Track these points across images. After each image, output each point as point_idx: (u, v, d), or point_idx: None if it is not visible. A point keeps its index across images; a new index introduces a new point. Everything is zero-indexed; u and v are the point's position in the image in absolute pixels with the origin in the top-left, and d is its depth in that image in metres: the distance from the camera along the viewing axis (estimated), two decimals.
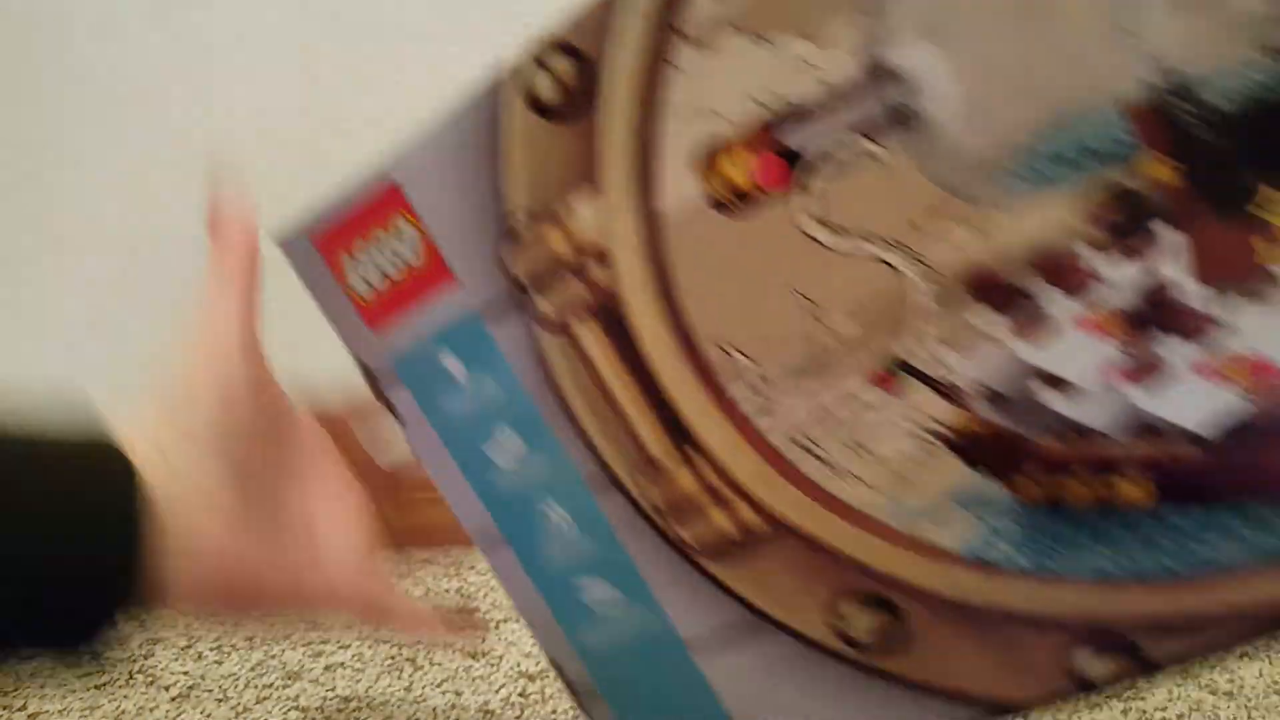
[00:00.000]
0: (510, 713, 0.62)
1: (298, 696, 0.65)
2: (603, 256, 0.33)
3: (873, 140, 0.29)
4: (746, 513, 0.34)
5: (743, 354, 0.32)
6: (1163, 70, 0.26)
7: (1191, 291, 0.28)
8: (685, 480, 0.34)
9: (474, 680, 0.66)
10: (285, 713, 0.63)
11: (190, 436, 0.32)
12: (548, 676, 0.67)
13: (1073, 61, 0.27)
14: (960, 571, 0.32)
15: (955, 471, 0.31)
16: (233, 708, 0.64)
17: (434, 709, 0.63)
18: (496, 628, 0.77)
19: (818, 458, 0.33)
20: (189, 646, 0.74)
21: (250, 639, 0.75)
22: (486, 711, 0.62)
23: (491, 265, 0.35)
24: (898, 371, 0.31)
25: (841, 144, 0.30)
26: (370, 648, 0.73)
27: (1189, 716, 0.61)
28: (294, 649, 0.73)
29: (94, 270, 0.98)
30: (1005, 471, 0.31)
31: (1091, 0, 0.26)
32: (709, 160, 0.31)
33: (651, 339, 0.33)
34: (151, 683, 0.68)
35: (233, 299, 0.35)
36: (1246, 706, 0.63)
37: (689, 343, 0.33)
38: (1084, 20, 0.27)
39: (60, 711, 0.65)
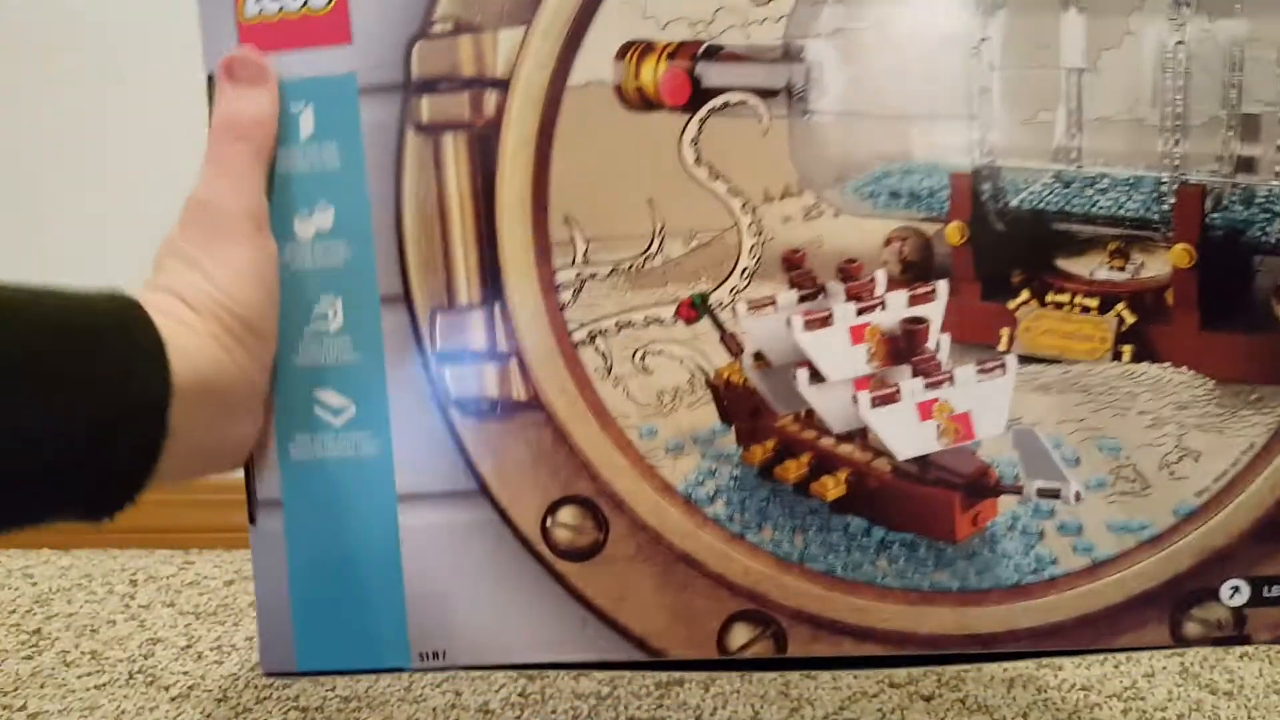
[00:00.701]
0: (510, 713, 0.66)
1: (298, 696, 0.69)
2: (501, 89, 0.38)
3: (764, 103, 0.36)
4: (516, 380, 0.39)
5: (583, 233, 0.38)
6: (987, 158, 0.35)
7: (943, 345, 0.37)
8: (477, 331, 0.39)
9: (474, 680, 0.70)
10: (285, 713, 0.67)
11: (209, 314, 0.35)
12: (548, 677, 0.71)
13: (933, 119, 0.35)
14: (671, 506, 0.38)
15: (706, 416, 0.38)
16: (233, 708, 0.68)
17: (434, 709, 0.67)
18: None
19: (602, 356, 0.38)
20: (189, 646, 0.77)
21: (250, 639, 0.77)
22: (486, 711, 0.66)
23: (393, 49, 0.38)
24: (701, 309, 0.38)
25: (738, 95, 0.36)
26: None
27: (1189, 716, 0.66)
28: None
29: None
30: (742, 429, 0.38)
31: (961, 85, 0.35)
32: (630, 55, 0.37)
33: (508, 180, 0.37)
34: (151, 683, 0.71)
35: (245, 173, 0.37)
36: (1246, 706, 0.68)
37: (540, 202, 0.38)
38: (950, 94, 0.35)
39: (60, 711, 0.68)
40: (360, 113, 0.38)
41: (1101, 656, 0.74)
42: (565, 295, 0.38)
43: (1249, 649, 0.71)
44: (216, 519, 0.94)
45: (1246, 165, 0.35)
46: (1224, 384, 0.35)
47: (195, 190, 0.37)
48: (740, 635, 0.38)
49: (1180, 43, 0.34)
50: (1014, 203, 0.36)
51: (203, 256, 0.36)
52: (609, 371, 0.38)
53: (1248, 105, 0.34)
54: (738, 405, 0.38)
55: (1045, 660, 0.74)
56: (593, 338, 0.38)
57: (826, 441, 0.38)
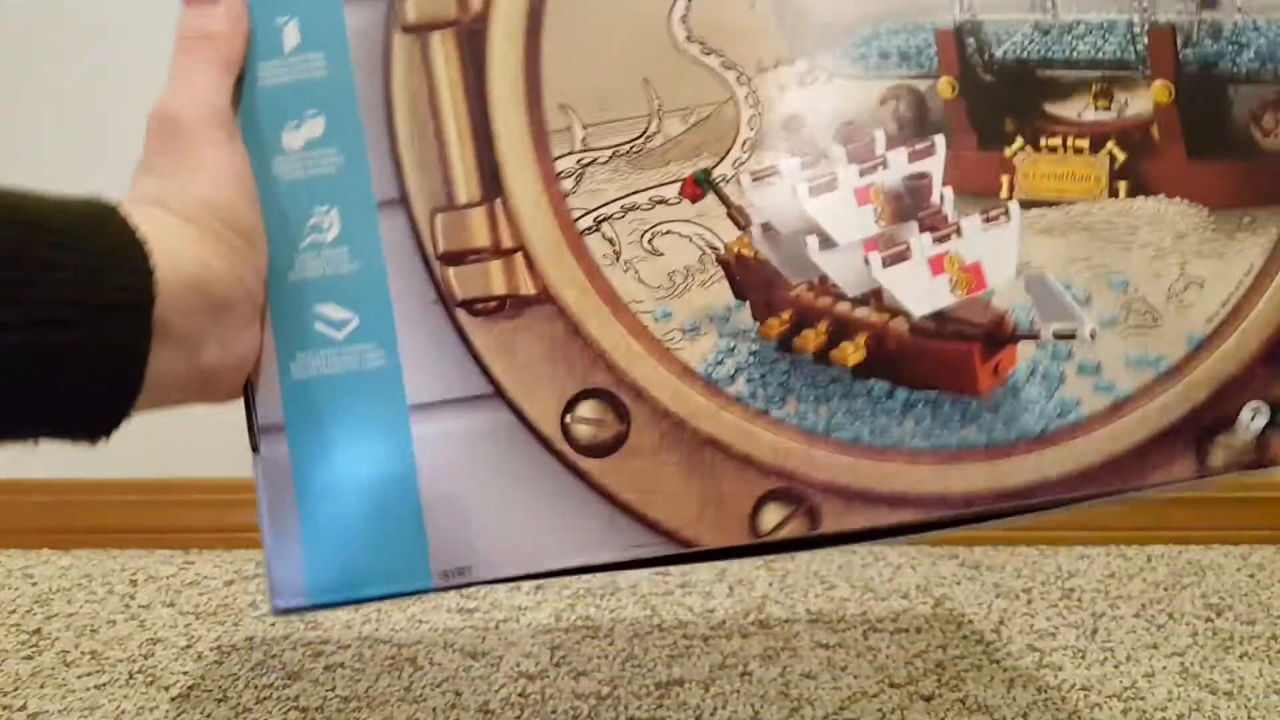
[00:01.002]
0: (510, 713, 0.68)
1: (298, 696, 0.70)
2: None
3: None
4: (523, 275, 0.39)
5: (580, 119, 0.39)
6: (967, 13, 0.38)
7: (946, 198, 0.39)
8: (479, 228, 0.39)
9: (474, 680, 0.72)
10: (285, 713, 0.68)
11: (190, 217, 0.35)
12: (548, 677, 0.72)
13: None
14: (692, 389, 0.39)
15: (720, 294, 0.39)
16: (233, 708, 0.69)
17: (434, 709, 0.68)
18: (496, 627, 0.80)
19: (609, 242, 0.39)
20: (189, 646, 0.79)
21: (250, 639, 0.79)
22: (486, 711, 0.67)
23: None
24: (705, 185, 0.39)
25: None
26: (370, 648, 0.78)
27: (1189, 716, 0.68)
28: (294, 649, 0.78)
29: None
30: (757, 302, 0.39)
31: None
32: None
33: (500, 72, 0.39)
34: (151, 683, 0.73)
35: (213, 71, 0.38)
36: (1246, 706, 0.70)
37: (533, 92, 0.39)
38: None
39: (60, 711, 0.69)
40: (345, 19, 0.39)
41: (1101, 656, 0.77)
42: (567, 183, 0.39)
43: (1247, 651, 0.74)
44: (216, 519, 0.96)
45: (1210, 3, 0.38)
46: (1217, 210, 0.38)
47: (157, 104, 0.37)
48: (772, 515, 0.38)
49: None
50: (998, 54, 0.39)
51: (176, 166, 0.36)
52: (618, 257, 0.39)
53: None
54: (750, 278, 0.39)
55: (1045, 660, 0.76)
56: (598, 224, 0.39)
57: (842, 307, 0.39)
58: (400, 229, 0.39)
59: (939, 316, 0.38)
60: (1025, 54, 0.39)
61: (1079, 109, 0.39)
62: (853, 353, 0.39)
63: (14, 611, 0.85)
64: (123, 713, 0.68)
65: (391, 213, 0.39)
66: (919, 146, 0.38)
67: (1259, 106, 0.38)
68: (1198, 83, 0.38)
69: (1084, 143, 0.38)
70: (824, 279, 0.40)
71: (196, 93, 0.37)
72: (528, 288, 0.39)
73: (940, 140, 0.38)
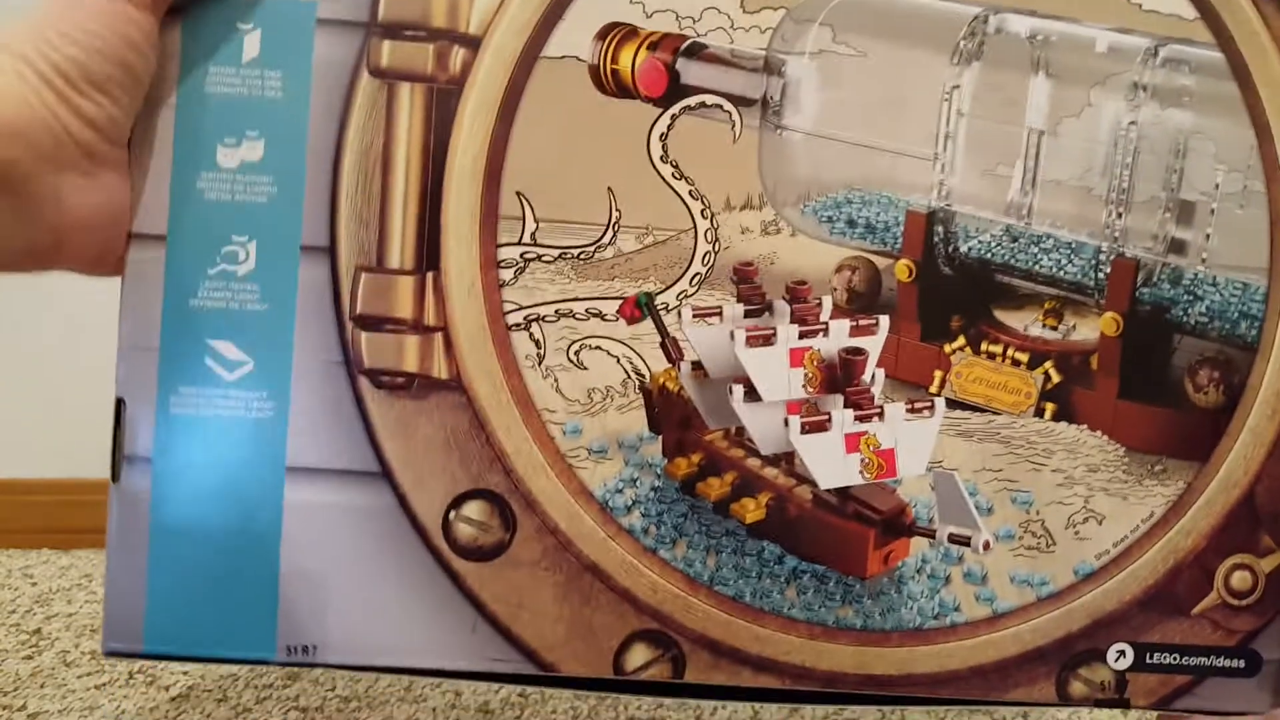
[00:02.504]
0: (510, 713, 0.68)
1: (298, 696, 0.71)
2: (471, 47, 0.37)
3: (738, 111, 0.37)
4: (439, 356, 0.37)
5: (534, 211, 0.37)
6: (944, 201, 0.37)
7: (877, 379, 0.38)
8: (404, 298, 0.37)
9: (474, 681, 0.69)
10: (285, 713, 0.69)
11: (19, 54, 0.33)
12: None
13: (898, 155, 0.37)
14: (586, 512, 0.37)
15: (635, 422, 0.37)
16: (233, 708, 0.69)
17: (434, 709, 0.69)
18: None
19: (536, 343, 0.37)
20: None
21: None
22: (486, 711, 0.68)
23: None
24: (645, 309, 0.37)
25: (714, 98, 0.37)
26: None
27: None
28: None
29: None
30: (670, 440, 0.38)
31: (929, 127, 0.37)
32: (611, 37, 0.37)
33: (464, 143, 0.36)
34: (151, 683, 0.72)
35: None
36: None
37: (493, 171, 0.36)
38: (918, 134, 0.37)
39: (60, 711, 0.69)
40: (314, 45, 0.37)
41: None
42: (506, 274, 0.37)
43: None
44: None
45: (1178, 247, 0.38)
46: (1133, 452, 0.38)
47: None
48: (639, 656, 0.37)
49: (1133, 123, 0.37)
50: (963, 249, 0.38)
51: (45, 10, 0.34)
52: (540, 360, 0.37)
53: (1186, 192, 0.37)
54: (669, 414, 0.38)
55: None
56: (529, 322, 0.37)
57: (752, 462, 0.38)
58: (319, 279, 0.36)
59: (843, 494, 0.37)
60: (990, 254, 0.38)
61: (1026, 322, 0.38)
62: (753, 510, 0.38)
63: (14, 611, 0.84)
64: (123, 713, 0.68)
65: (314, 260, 0.36)
66: (863, 322, 0.37)
67: (1197, 361, 0.38)
68: (1147, 323, 0.38)
69: (1024, 356, 0.38)
70: (741, 430, 0.38)
71: None
72: (441, 371, 0.37)
73: (885, 321, 0.37)
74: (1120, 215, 0.37)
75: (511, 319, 0.37)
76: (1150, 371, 0.38)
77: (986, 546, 0.37)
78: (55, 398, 1.00)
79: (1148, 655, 0.38)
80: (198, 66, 0.36)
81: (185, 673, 0.73)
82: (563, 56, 0.36)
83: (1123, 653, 0.38)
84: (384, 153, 0.36)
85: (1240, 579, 0.38)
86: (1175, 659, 0.38)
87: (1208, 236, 0.37)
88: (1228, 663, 0.38)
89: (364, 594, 0.36)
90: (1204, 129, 0.37)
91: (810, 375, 0.37)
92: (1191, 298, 0.38)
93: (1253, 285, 0.37)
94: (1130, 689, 0.38)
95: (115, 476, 0.36)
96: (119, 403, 0.36)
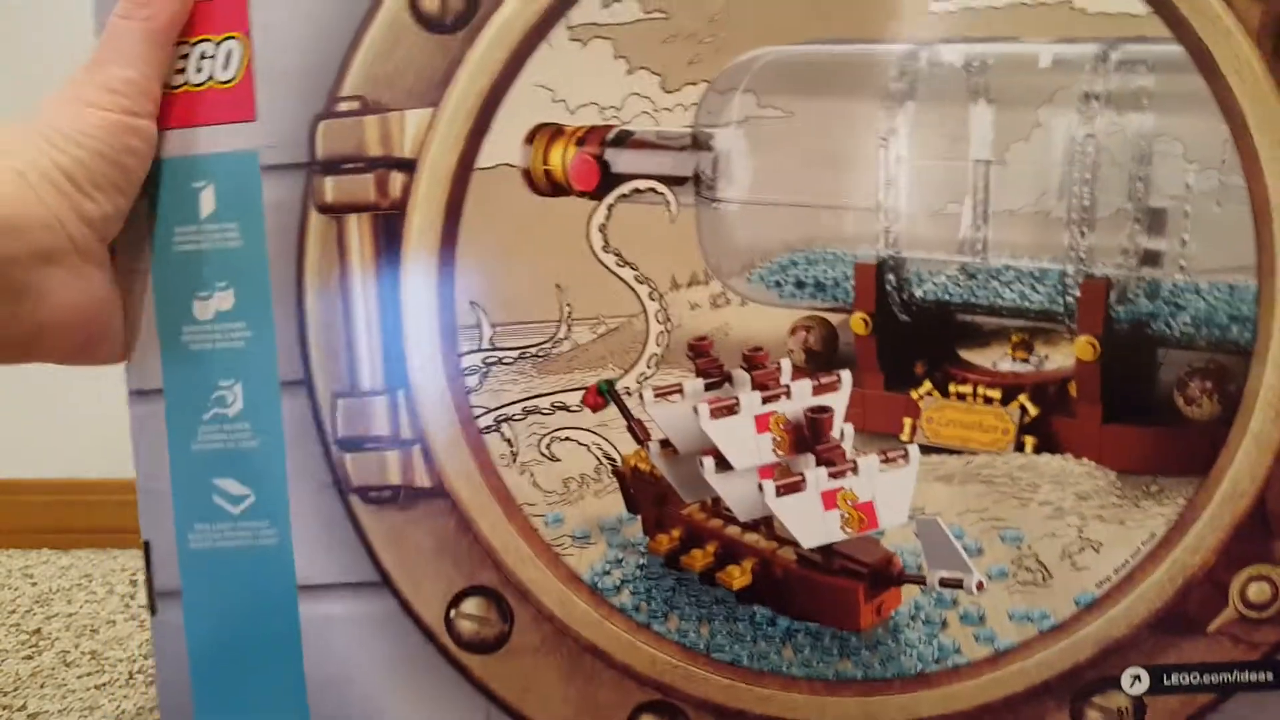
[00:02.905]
0: None
1: None
2: (407, 170, 0.30)
3: (672, 191, 0.29)
4: (420, 467, 0.31)
5: (488, 317, 0.30)
6: (893, 249, 0.29)
7: (846, 434, 0.30)
8: (379, 417, 0.31)
9: None
10: None
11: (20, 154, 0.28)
12: None
13: (839, 210, 0.28)
14: (578, 596, 0.31)
15: (613, 505, 0.31)
16: None
17: None
18: None
19: (508, 443, 0.31)
20: None
21: None
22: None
23: (298, 127, 0.30)
24: (607, 396, 0.31)
25: (647, 183, 0.29)
26: None
27: None
28: None
29: None
30: (649, 517, 0.31)
31: (868, 176, 0.29)
32: (540, 139, 0.30)
33: (414, 261, 0.30)
34: (151, 683, 0.62)
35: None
36: None
37: (446, 285, 0.30)
38: (857, 185, 0.29)
39: (60, 711, 0.59)
40: (263, 192, 0.31)
41: None
42: (471, 380, 0.31)
43: None
44: None
45: (1152, 259, 0.29)
46: (1125, 475, 0.29)
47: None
48: None
49: (1089, 135, 0.28)
50: (919, 294, 0.29)
51: (50, 114, 0.29)
52: (514, 458, 0.31)
53: (1154, 199, 0.28)
54: (644, 493, 0.31)
55: None
56: (499, 424, 0.31)
57: (732, 530, 0.31)
58: (302, 409, 0.31)
59: (827, 551, 0.30)
60: (947, 296, 0.29)
61: (995, 358, 0.30)
62: (739, 576, 0.31)
63: (14, 611, 0.74)
64: (123, 713, 0.60)
65: (295, 392, 0.31)
66: (824, 380, 0.29)
67: (1187, 374, 0.28)
68: (1126, 343, 0.29)
69: (996, 393, 0.29)
70: (717, 500, 0.31)
71: (118, 57, 0.29)
72: (423, 480, 0.31)
73: (847, 376, 0.29)
74: (1084, 234, 0.28)
75: (482, 422, 0.30)
76: (1135, 391, 0.29)
77: (980, 587, 0.29)
78: (55, 398, 0.82)
79: (1165, 677, 0.29)
80: (162, 227, 0.31)
81: None
82: (495, 165, 0.30)
83: (1138, 677, 0.29)
84: (342, 282, 0.30)
85: (1258, 591, 0.29)
86: (1196, 678, 0.29)
87: (1184, 242, 0.28)
88: (1255, 676, 0.29)
89: (384, 695, 0.31)
90: (1169, 129, 0.27)
91: (778, 439, 0.29)
92: (1173, 308, 0.28)
93: (1241, 286, 0.27)
94: (1150, 713, 0.29)
95: (153, 610, 0.31)
96: (146, 545, 0.31)
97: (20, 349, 0.29)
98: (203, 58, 0.31)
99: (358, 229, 0.30)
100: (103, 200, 0.29)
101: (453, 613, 0.31)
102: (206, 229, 0.31)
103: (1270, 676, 0.30)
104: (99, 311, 0.31)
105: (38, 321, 0.29)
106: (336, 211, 0.30)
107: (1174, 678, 0.30)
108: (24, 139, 0.29)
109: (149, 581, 0.32)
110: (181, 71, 0.30)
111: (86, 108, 0.29)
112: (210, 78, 0.31)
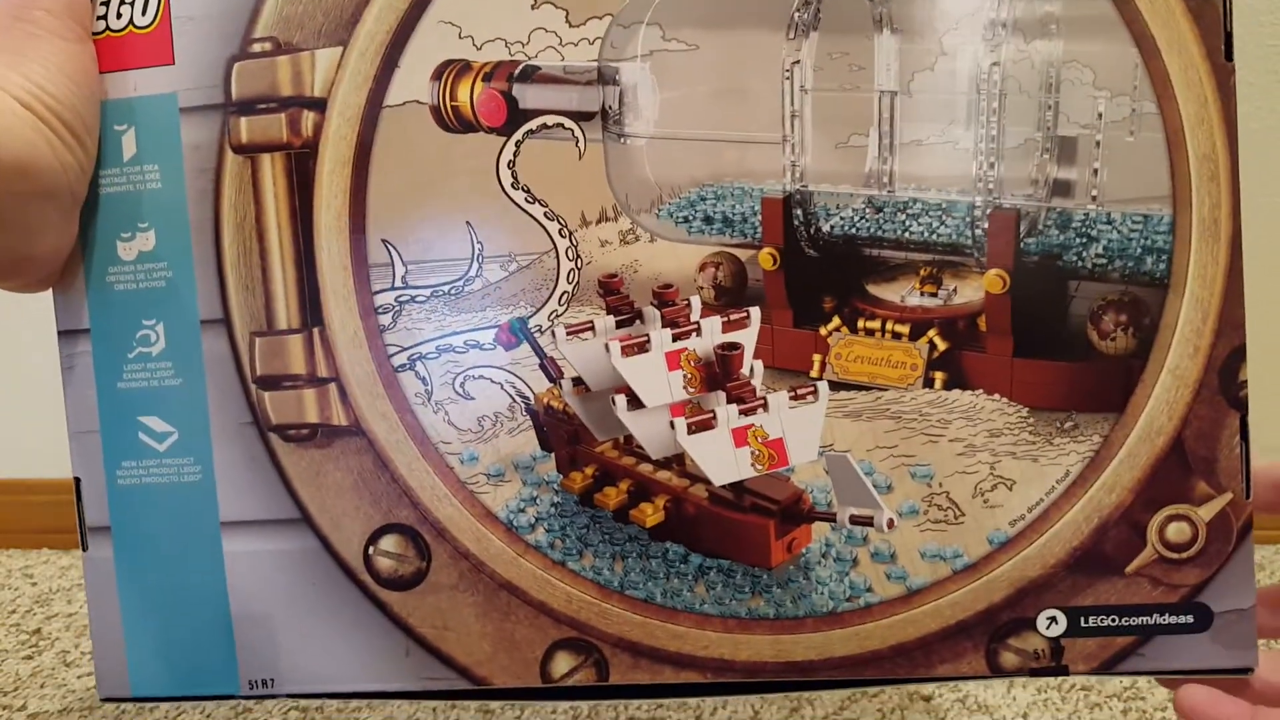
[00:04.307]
0: (510, 713, 0.60)
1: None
2: (319, 109, 0.31)
3: (580, 126, 0.30)
4: (336, 405, 0.32)
5: (401, 255, 0.31)
6: (799, 183, 0.29)
7: (756, 371, 0.31)
8: (296, 355, 0.32)
9: None
10: (285, 713, 0.60)
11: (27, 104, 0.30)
12: None
13: (745, 144, 0.29)
14: (493, 534, 0.32)
15: (527, 443, 0.32)
16: (233, 708, 0.60)
17: (434, 709, 0.60)
18: None
19: (422, 381, 0.32)
20: None
21: None
22: (487, 711, 0.60)
23: (214, 69, 0.32)
24: (520, 334, 0.32)
25: (554, 118, 0.30)
26: None
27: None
28: None
29: None
30: (562, 456, 0.32)
31: (774, 109, 0.29)
32: (447, 75, 0.31)
33: (325, 202, 0.31)
34: None
35: None
36: None
37: (357, 224, 0.31)
38: (763, 118, 0.29)
39: (60, 711, 0.60)
40: (181, 134, 0.32)
41: None
42: (385, 319, 0.32)
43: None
44: None
45: (1063, 189, 0.29)
46: (1038, 411, 0.30)
47: None
48: (562, 664, 0.32)
49: (996, 64, 0.28)
50: (826, 228, 0.30)
51: (22, 53, 0.30)
52: (429, 397, 0.32)
53: (1064, 128, 0.28)
54: (557, 431, 0.32)
55: None
56: (413, 362, 0.32)
57: (645, 467, 0.32)
58: (221, 349, 0.32)
59: (738, 488, 0.31)
60: (854, 230, 0.30)
61: (903, 292, 0.30)
62: (651, 514, 0.31)
63: (14, 611, 0.75)
64: (123, 713, 0.60)
65: (215, 331, 0.32)
66: (734, 317, 0.30)
67: (1100, 306, 0.29)
68: (1036, 275, 0.29)
69: (904, 328, 0.30)
70: (629, 438, 0.32)
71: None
72: (340, 418, 0.32)
73: (756, 312, 0.30)
74: (993, 165, 0.28)
75: (396, 361, 0.31)
76: (1047, 324, 0.29)
77: (890, 524, 0.29)
78: (55, 398, 0.81)
79: (1082, 619, 0.30)
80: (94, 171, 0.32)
81: None
82: (404, 103, 0.31)
83: (1054, 619, 0.30)
84: (257, 222, 0.31)
85: (1177, 531, 0.29)
86: (1114, 621, 0.29)
87: (1095, 172, 0.28)
88: (1174, 619, 0.29)
89: (305, 629, 0.32)
90: (1078, 56, 0.28)
91: (689, 376, 0.30)
92: (1085, 239, 0.28)
93: (1155, 216, 0.28)
94: (1067, 655, 0.30)
95: (84, 546, 0.33)
96: (76, 481, 0.33)
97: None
98: (122, 3, 0.32)
99: (271, 168, 0.31)
100: (90, 143, 0.31)
101: (371, 550, 0.32)
102: (129, 171, 0.32)
103: (1190, 619, 0.30)
104: (62, 254, 0.32)
105: (26, 254, 0.31)
106: (251, 151, 0.31)
107: (1091, 620, 0.30)
108: (19, 74, 0.30)
109: (80, 517, 0.33)
110: (103, 18, 0.32)
111: (55, 37, 0.30)
112: (130, 23, 0.32)
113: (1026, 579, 0.30)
